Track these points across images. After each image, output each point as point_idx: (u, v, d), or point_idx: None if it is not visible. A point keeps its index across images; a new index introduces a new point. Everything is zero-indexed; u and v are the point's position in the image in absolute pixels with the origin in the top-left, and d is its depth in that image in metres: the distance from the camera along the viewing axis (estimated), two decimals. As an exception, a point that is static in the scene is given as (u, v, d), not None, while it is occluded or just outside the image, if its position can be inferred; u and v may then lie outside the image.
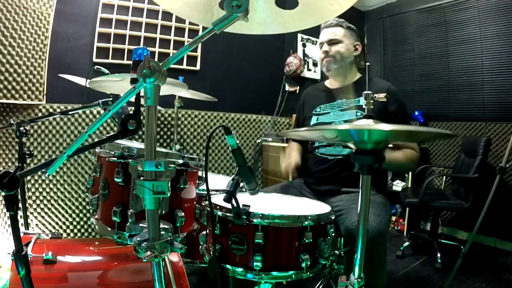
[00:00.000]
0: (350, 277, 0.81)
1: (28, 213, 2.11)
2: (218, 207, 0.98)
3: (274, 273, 0.91)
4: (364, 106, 0.88)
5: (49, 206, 2.30)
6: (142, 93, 0.65)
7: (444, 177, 3.23)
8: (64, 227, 2.37)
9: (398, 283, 2.15)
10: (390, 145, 1.42)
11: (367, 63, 1.03)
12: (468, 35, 3.12)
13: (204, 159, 0.95)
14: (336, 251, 1.00)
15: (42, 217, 2.29)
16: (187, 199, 1.06)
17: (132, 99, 0.67)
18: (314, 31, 3.69)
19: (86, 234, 2.45)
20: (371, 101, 0.88)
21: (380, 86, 1.52)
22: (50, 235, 1.37)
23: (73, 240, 2.13)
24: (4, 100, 2.05)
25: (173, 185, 0.98)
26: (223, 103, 2.84)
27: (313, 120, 1.65)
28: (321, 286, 1.32)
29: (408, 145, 1.49)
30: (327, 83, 1.77)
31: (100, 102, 1.35)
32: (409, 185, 3.14)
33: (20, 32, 2.04)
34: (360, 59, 1.66)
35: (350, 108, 1.56)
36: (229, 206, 0.90)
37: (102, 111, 1.88)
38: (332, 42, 1.62)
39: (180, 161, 1.01)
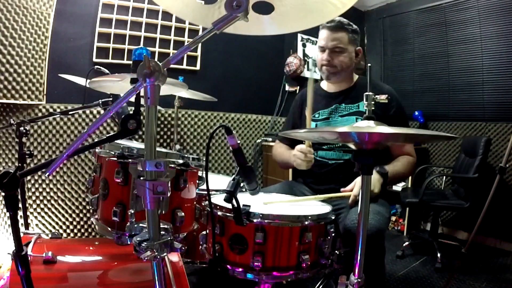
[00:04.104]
0: (350, 277, 0.81)
1: (28, 213, 2.11)
2: (218, 207, 0.98)
3: (274, 273, 0.91)
4: (365, 108, 0.88)
5: (49, 206, 2.30)
6: (142, 93, 0.65)
7: (444, 177, 3.23)
8: (64, 227, 2.37)
9: (398, 283, 2.15)
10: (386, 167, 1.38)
11: (369, 64, 1.03)
12: (468, 35, 3.12)
13: (204, 159, 0.95)
14: (336, 251, 1.00)
15: (42, 217, 2.29)
16: (187, 199, 1.06)
17: (132, 99, 0.67)
18: (314, 31, 3.70)
19: (86, 234, 2.45)
20: (372, 102, 0.88)
21: (380, 91, 1.47)
22: (50, 235, 1.37)
23: (73, 240, 2.13)
24: (4, 100, 2.05)
25: (173, 185, 0.98)
26: (223, 103, 2.84)
27: (312, 126, 1.58)
28: (321, 286, 1.32)
29: (404, 150, 1.49)
30: (324, 85, 1.69)
31: (100, 102, 1.35)
32: (409, 185, 3.14)
33: (20, 32, 2.04)
34: (360, 59, 1.62)
35: (349, 114, 1.52)
36: (229, 206, 0.90)
37: (102, 111, 1.88)
38: (335, 51, 1.49)
39: (180, 161, 1.01)
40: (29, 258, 0.73)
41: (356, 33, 1.54)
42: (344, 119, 1.53)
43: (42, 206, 2.28)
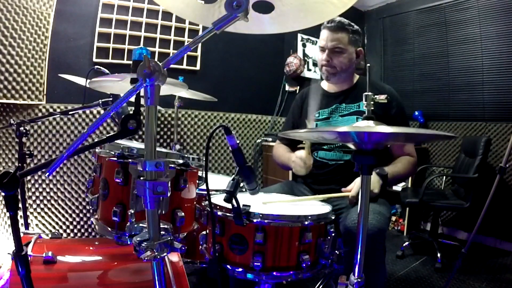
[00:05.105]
0: (350, 277, 0.81)
1: (28, 213, 2.11)
2: (218, 207, 0.98)
3: (274, 273, 0.91)
4: (364, 108, 0.88)
5: (49, 206, 2.30)
6: (142, 93, 0.65)
7: (444, 177, 3.22)
8: (64, 227, 2.37)
9: (398, 283, 2.15)
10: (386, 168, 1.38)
11: (368, 64, 1.03)
12: (468, 35, 3.12)
13: (204, 159, 0.95)
14: (336, 251, 1.00)
15: (42, 217, 2.29)
16: (187, 199, 1.06)
17: (132, 99, 0.67)
18: (314, 31, 3.70)
19: (86, 234, 2.45)
20: (371, 102, 0.88)
21: (380, 91, 1.48)
22: (50, 235, 1.38)
23: (73, 240, 2.13)
24: (4, 100, 2.05)
25: (173, 185, 0.98)
26: (223, 103, 2.84)
27: (312, 125, 1.58)
28: (321, 286, 1.32)
29: (405, 150, 1.49)
30: (324, 85, 1.69)
31: (100, 102, 1.35)
32: (409, 185, 3.14)
33: (20, 32, 2.04)
34: (360, 60, 1.61)
35: (350, 114, 1.52)
36: (229, 206, 0.90)
37: (102, 111, 1.88)
38: (335, 51, 1.49)
39: (180, 161, 1.01)
40: (29, 258, 0.73)
41: (357, 33, 1.53)
42: (345, 119, 1.53)
43: (42, 206, 2.28)
